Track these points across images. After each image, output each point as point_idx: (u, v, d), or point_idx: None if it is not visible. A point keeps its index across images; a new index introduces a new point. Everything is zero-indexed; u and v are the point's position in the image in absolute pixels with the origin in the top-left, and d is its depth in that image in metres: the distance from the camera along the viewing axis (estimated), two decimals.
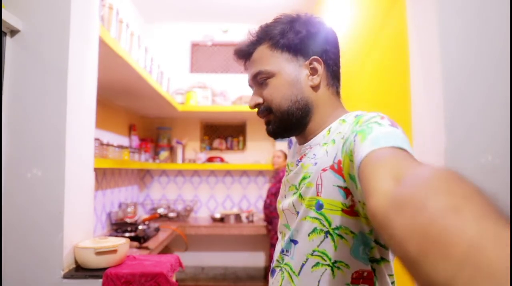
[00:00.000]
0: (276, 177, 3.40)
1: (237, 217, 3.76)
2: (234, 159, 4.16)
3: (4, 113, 1.35)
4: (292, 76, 0.74)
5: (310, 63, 0.74)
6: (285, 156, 3.41)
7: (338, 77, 0.78)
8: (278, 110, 0.74)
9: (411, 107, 1.33)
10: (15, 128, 1.37)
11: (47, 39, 1.40)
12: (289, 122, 0.74)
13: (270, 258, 3.32)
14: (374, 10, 2.01)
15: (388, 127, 0.54)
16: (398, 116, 1.59)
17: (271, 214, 3.34)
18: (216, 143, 4.22)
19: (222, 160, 4.04)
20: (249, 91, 3.54)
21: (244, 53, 0.79)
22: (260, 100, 0.76)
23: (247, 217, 3.77)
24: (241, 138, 4.24)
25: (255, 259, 4.12)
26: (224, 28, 4.19)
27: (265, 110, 0.76)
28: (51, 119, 1.38)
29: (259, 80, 0.76)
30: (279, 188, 3.66)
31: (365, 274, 0.64)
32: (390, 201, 0.38)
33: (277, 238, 2.84)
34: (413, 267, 0.29)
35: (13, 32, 1.39)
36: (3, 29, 1.34)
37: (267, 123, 0.77)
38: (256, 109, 0.79)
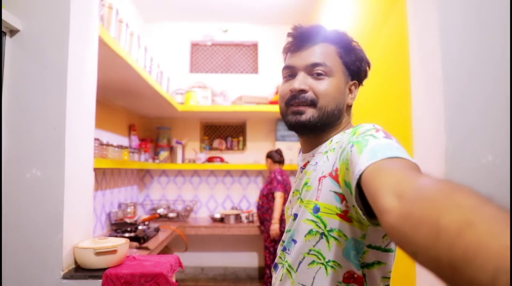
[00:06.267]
0: (268, 178, 3.40)
1: (237, 217, 3.75)
2: (234, 159, 4.16)
3: (3, 113, 1.35)
4: (342, 86, 0.80)
5: (352, 85, 0.83)
6: (271, 159, 3.42)
7: None
8: (324, 107, 0.77)
9: (411, 107, 1.33)
10: (14, 128, 1.36)
11: (47, 39, 1.40)
12: (324, 123, 0.78)
13: (265, 259, 3.30)
14: (375, 9, 2.01)
15: (383, 140, 0.58)
16: (398, 117, 1.60)
17: (263, 215, 3.33)
18: (216, 143, 4.22)
19: (222, 160, 4.03)
20: (248, 91, 3.50)
21: (311, 37, 0.80)
22: (307, 88, 0.77)
23: (247, 217, 3.77)
24: (241, 138, 4.23)
25: (255, 260, 4.12)
26: (224, 28, 4.19)
27: (309, 101, 0.77)
28: (51, 119, 1.38)
29: (315, 71, 0.78)
30: (270, 189, 3.62)
31: (355, 275, 0.69)
32: (402, 219, 0.41)
33: (270, 241, 2.90)
34: (448, 277, 0.32)
35: (13, 32, 1.38)
36: (3, 29, 1.33)
37: (300, 112, 0.78)
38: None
